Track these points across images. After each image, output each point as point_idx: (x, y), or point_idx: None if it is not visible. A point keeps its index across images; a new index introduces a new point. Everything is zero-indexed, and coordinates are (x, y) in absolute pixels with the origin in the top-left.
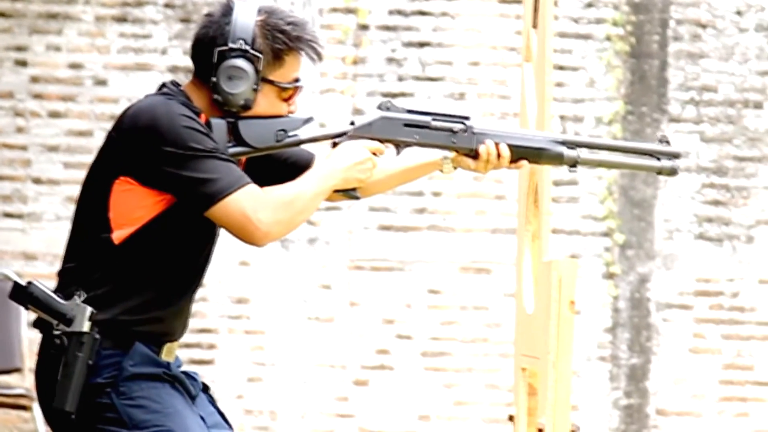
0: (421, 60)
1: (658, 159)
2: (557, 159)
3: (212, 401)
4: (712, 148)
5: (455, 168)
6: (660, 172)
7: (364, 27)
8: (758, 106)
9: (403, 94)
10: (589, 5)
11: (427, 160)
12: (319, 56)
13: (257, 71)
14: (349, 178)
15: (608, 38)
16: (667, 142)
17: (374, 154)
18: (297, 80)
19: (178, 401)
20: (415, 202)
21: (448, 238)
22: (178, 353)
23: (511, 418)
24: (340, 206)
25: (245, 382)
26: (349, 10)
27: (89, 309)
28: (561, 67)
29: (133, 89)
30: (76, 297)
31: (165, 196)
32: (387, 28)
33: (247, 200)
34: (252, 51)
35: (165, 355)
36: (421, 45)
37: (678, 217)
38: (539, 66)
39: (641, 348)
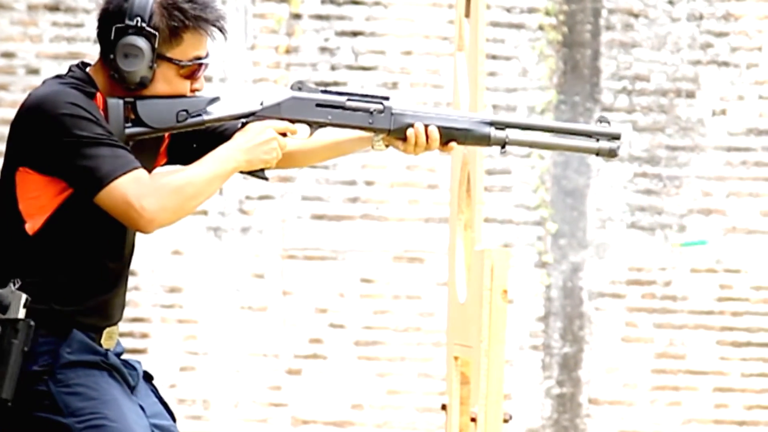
0: (354, 49)
1: (597, 140)
2: (483, 140)
3: (155, 391)
4: (645, 138)
5: (387, 146)
6: (598, 153)
7: (296, 16)
8: (690, 95)
9: (336, 83)
10: None
11: (360, 134)
12: (223, 35)
13: (153, 49)
14: (253, 160)
15: (541, 28)
16: (607, 123)
17: (284, 134)
18: (198, 58)
19: (116, 389)
20: (348, 192)
21: (381, 228)
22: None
23: (444, 407)
24: (273, 195)
25: (178, 372)
26: None
27: (24, 296)
28: (493, 57)
29: None
30: (11, 284)
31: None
32: (320, 17)
33: (131, 186)
34: (148, 28)
35: (105, 341)
36: (354, 34)
37: (610, 207)
38: (472, 55)
39: (574, 337)
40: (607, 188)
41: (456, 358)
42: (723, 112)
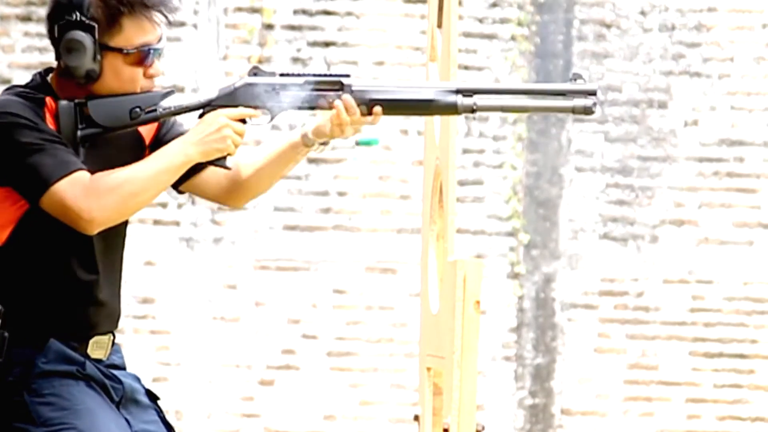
0: (326, 59)
1: (571, 98)
2: (450, 109)
3: (159, 411)
4: (617, 148)
5: (323, 143)
6: (573, 111)
7: (269, 26)
8: (662, 105)
9: None
10: (494, 5)
11: (290, 141)
12: (166, 18)
13: (95, 40)
14: (207, 150)
15: (513, 38)
16: (582, 79)
17: (243, 120)
18: (147, 44)
19: (91, 399)
20: (320, 202)
21: (354, 238)
22: None
23: (416, 418)
24: (245, 206)
25: (151, 382)
26: (254, 10)
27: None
28: (466, 67)
29: None
30: None
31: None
32: (292, 27)
33: (68, 189)
34: (86, 20)
35: (93, 350)
36: (326, 44)
37: (583, 217)
38: (444, 66)
39: (546, 348)
40: (580, 199)
41: (428, 368)
42: (695, 122)
